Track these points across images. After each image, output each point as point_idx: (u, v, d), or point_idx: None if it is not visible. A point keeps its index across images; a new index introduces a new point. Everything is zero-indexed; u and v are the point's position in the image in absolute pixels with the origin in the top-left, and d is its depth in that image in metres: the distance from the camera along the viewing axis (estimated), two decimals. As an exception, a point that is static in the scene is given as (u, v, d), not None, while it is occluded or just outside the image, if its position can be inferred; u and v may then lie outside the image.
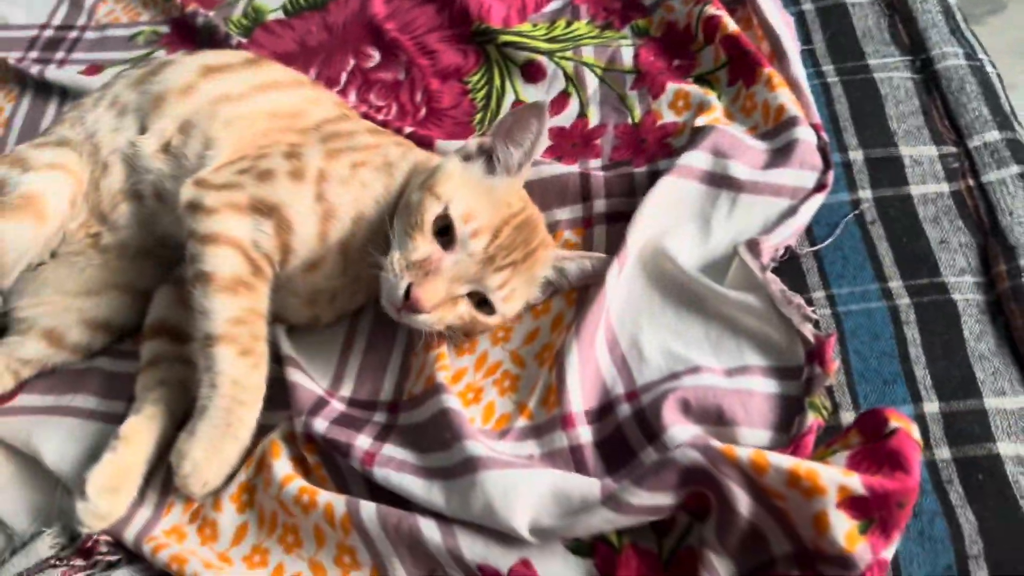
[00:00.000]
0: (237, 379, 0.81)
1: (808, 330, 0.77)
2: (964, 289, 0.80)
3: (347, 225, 0.86)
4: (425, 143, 1.02)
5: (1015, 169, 0.86)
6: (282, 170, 0.87)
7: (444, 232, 0.80)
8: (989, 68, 0.97)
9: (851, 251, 0.85)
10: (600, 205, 0.94)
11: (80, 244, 0.95)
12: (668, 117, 0.99)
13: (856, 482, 0.63)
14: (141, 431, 0.84)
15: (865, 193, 0.88)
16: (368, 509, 0.74)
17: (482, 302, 0.83)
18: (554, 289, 0.89)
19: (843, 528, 0.63)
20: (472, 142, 0.88)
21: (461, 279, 0.81)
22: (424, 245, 0.80)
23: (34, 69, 1.30)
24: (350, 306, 0.93)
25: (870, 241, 0.85)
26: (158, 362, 0.90)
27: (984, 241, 0.83)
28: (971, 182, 0.87)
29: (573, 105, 1.05)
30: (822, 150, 0.90)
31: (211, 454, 0.80)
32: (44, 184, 0.92)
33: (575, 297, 0.88)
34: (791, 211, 0.87)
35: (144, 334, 0.93)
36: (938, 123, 0.92)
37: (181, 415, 0.87)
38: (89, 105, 0.99)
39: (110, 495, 0.80)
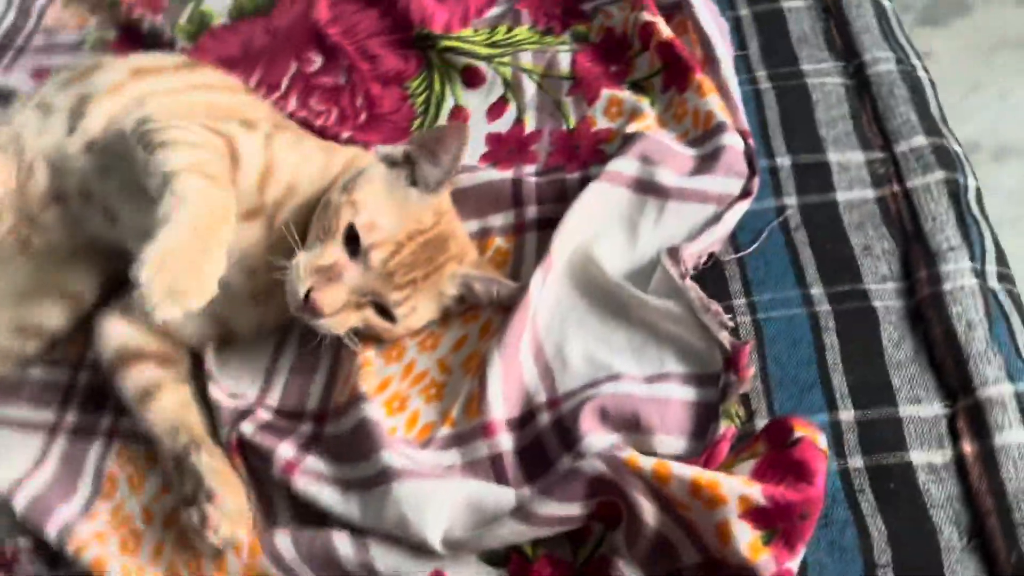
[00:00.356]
0: (203, 191, 0.74)
1: (725, 337, 0.77)
2: (885, 296, 0.80)
3: (282, 188, 0.85)
4: (364, 148, 1.02)
5: (940, 175, 0.86)
6: (234, 122, 0.86)
7: (353, 240, 0.80)
8: (921, 73, 0.97)
9: (774, 257, 0.85)
10: (532, 211, 0.94)
11: (10, 248, 0.94)
12: (602, 123, 0.99)
13: (758, 492, 0.63)
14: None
15: (791, 199, 0.88)
16: (283, 539, 0.75)
17: (386, 311, 0.83)
18: (467, 304, 0.88)
19: (746, 539, 0.63)
20: (398, 149, 0.87)
21: (361, 290, 0.80)
22: (332, 251, 0.79)
23: (-19, 75, 1.29)
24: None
25: (793, 248, 0.85)
26: (156, 390, 0.86)
27: (907, 247, 0.83)
28: (896, 188, 0.87)
29: (510, 111, 1.05)
30: (748, 156, 0.90)
31: (178, 257, 0.68)
32: None
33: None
34: (716, 218, 0.87)
35: (114, 371, 0.88)
36: (867, 129, 0.92)
37: None
38: (17, 107, 0.98)
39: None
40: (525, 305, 0.84)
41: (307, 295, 0.77)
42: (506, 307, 0.86)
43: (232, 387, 0.89)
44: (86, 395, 0.93)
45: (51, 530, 0.81)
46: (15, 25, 1.39)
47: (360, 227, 0.79)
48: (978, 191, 0.88)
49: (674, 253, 0.82)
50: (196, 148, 0.79)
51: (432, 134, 0.85)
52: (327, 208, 0.82)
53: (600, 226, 0.89)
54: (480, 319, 0.88)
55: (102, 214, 0.90)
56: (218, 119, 0.87)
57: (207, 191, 0.74)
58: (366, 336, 0.85)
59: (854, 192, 0.88)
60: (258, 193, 0.85)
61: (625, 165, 0.90)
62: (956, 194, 0.85)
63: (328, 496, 0.76)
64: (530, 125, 1.03)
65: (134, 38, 1.29)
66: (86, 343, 0.95)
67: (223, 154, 0.82)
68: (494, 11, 1.17)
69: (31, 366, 0.96)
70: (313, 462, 0.79)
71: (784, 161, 0.91)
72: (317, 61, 1.17)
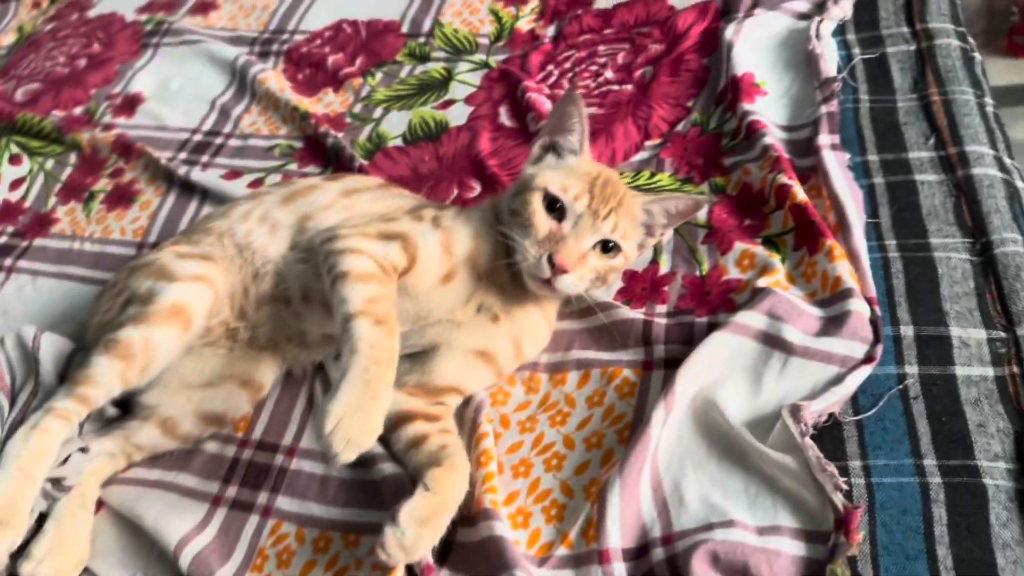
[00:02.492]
0: (374, 342, 0.88)
1: (839, 499, 0.82)
2: (996, 475, 0.83)
3: (467, 241, 1.02)
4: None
5: (1059, 361, 0.90)
6: (403, 215, 1.05)
7: (551, 209, 0.99)
8: (1050, 257, 1.01)
9: (891, 424, 0.89)
10: (660, 351, 1.02)
11: (213, 336, 1.08)
12: (733, 274, 1.07)
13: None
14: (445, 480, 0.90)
15: (911, 369, 0.93)
16: None
17: (604, 249, 0.99)
18: (652, 234, 1.06)
19: None
20: (535, 147, 1.06)
21: (583, 235, 0.97)
22: (544, 224, 0.98)
23: (182, 170, 1.47)
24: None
25: (911, 416, 0.89)
26: (423, 438, 0.97)
27: (1021, 428, 0.86)
28: (1016, 369, 0.91)
29: (647, 251, 1.14)
30: (874, 324, 0.95)
31: (353, 410, 0.83)
32: (189, 295, 1.04)
33: (626, 436, 0.95)
34: (838, 379, 0.92)
35: (389, 431, 0.98)
36: (991, 307, 0.96)
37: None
38: (238, 218, 1.12)
39: (419, 527, 0.85)
40: (647, 439, 0.91)
41: (550, 261, 0.94)
42: (630, 437, 0.94)
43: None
44: (247, 472, 1.05)
45: None
46: (215, 127, 1.59)
47: (557, 190, 0.98)
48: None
49: (796, 411, 0.88)
50: (369, 281, 0.93)
51: (554, 115, 1.05)
52: (515, 209, 1.00)
53: (724, 372, 0.96)
54: (602, 447, 0.96)
55: (320, 309, 1.05)
56: (394, 219, 1.04)
57: (376, 340, 0.88)
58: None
59: (973, 368, 0.91)
60: (447, 255, 1.01)
61: (753, 319, 0.97)
62: (1076, 382, 0.88)
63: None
64: (665, 267, 1.12)
65: (317, 150, 1.46)
66: (253, 423, 1.09)
67: (399, 255, 0.98)
68: (640, 156, 1.28)
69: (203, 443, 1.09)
70: (448, 571, 0.88)
71: (908, 331, 0.96)
72: (476, 188, 1.30)
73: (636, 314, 1.05)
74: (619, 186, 1.02)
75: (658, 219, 1.05)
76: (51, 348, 1.10)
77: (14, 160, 1.62)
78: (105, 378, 0.98)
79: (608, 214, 0.98)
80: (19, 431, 0.95)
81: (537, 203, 0.99)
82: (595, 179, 1.00)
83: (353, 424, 0.82)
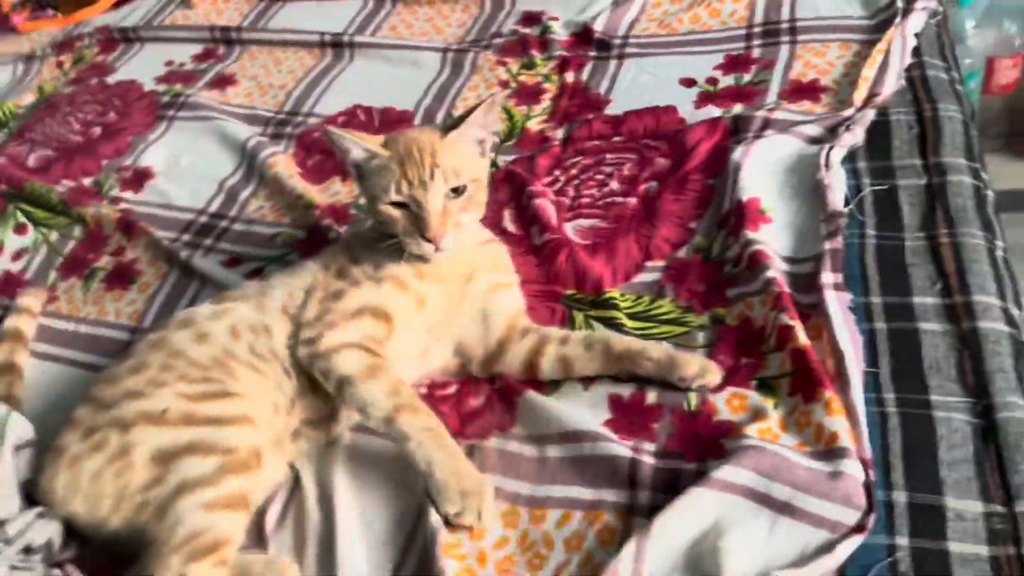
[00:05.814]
0: (422, 428, 1.02)
1: None
2: (985, 669, 0.80)
3: (404, 268, 1.15)
4: (513, 390, 1.13)
5: (1060, 547, 0.86)
6: (343, 286, 1.14)
7: (398, 205, 1.11)
8: (1056, 427, 0.97)
9: (878, 600, 0.86)
10: (644, 497, 0.98)
11: None
12: (724, 414, 1.04)
13: None
14: None
15: (903, 540, 0.89)
16: None
17: (455, 192, 1.10)
18: (485, 142, 1.17)
19: None
20: (354, 178, 1.19)
21: (428, 204, 1.09)
22: (402, 221, 1.11)
23: (184, 253, 1.47)
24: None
25: (899, 594, 0.86)
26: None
27: (1015, 619, 0.83)
28: (1012, 550, 0.87)
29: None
30: (867, 487, 0.92)
31: (453, 471, 1.00)
32: (251, 438, 1.03)
33: None
34: (828, 547, 0.88)
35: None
36: (989, 478, 0.93)
37: None
38: (226, 336, 1.12)
39: None
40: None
41: (426, 240, 1.10)
42: None
43: None
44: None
45: None
46: (221, 209, 1.59)
47: (392, 197, 1.11)
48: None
49: (781, 583, 0.84)
50: (376, 374, 1.06)
51: (337, 152, 1.19)
52: (383, 227, 1.15)
53: (710, 525, 0.93)
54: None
55: None
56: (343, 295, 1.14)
57: (423, 425, 1.03)
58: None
59: (967, 545, 0.88)
60: (406, 294, 1.14)
61: (739, 475, 0.94)
62: (1077, 571, 0.84)
63: None
64: (651, 397, 1.09)
65: (319, 242, 1.45)
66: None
67: (375, 327, 1.11)
68: (641, 277, 1.25)
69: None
70: None
71: (901, 497, 0.92)
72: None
73: (623, 450, 1.02)
74: (422, 141, 1.11)
75: (480, 133, 1.15)
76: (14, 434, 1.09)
77: (19, 229, 1.63)
78: (239, 533, 0.98)
79: (432, 173, 1.08)
80: None
81: (390, 211, 1.11)
82: (402, 158, 1.10)
83: (463, 480, 0.99)
